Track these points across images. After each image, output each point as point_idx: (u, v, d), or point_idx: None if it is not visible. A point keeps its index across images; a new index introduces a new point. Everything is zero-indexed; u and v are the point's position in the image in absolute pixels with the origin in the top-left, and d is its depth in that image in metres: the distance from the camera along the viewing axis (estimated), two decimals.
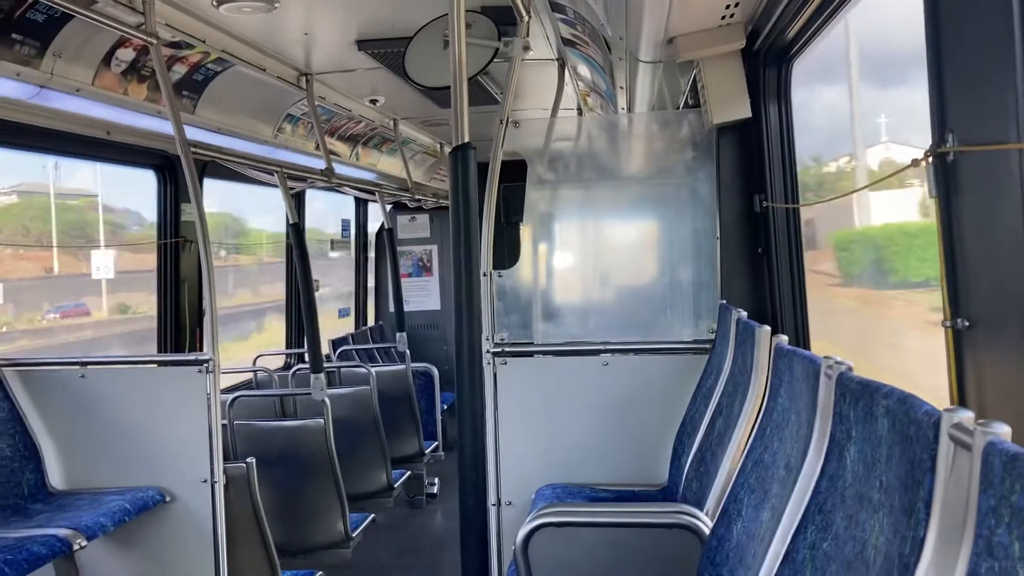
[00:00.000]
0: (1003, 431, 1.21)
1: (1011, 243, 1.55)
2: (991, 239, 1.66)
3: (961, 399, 1.79)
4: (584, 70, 5.62)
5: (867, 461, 1.68)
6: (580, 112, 7.17)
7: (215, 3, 4.29)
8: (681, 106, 4.94)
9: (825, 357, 2.01)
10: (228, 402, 5.24)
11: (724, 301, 4.02)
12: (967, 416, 1.30)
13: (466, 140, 2.73)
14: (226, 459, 4.36)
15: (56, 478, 4.34)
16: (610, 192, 4.73)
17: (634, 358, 4.20)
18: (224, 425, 4.87)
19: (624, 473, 4.13)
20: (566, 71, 5.54)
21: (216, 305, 4.22)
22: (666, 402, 4.08)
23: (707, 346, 4.07)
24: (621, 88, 4.87)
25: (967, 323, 1.75)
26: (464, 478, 2.63)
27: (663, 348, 4.19)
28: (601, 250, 4.76)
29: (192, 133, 5.01)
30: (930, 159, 1.81)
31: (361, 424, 6.05)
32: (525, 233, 4.59)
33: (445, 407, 8.16)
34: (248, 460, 4.32)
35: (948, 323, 1.80)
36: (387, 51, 5.24)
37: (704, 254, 4.25)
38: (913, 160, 1.90)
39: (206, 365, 4.15)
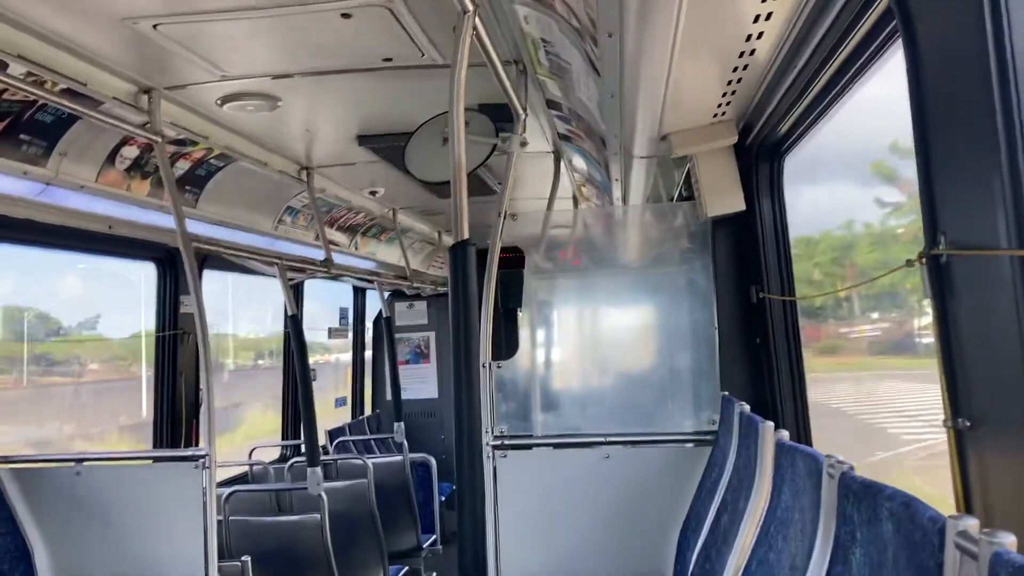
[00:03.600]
0: (1008, 541, 1.20)
1: (1007, 345, 1.56)
2: (988, 340, 1.67)
3: (967, 500, 1.77)
4: (579, 162, 5.73)
5: (873, 565, 1.65)
6: (576, 203, 7.29)
7: (219, 102, 4.39)
8: (676, 198, 5.03)
9: (827, 456, 2.00)
10: (224, 497, 5.16)
11: (726, 392, 4.01)
12: (972, 524, 1.29)
13: (466, 237, 2.76)
14: (221, 557, 4.27)
15: None
16: (608, 282, 4.77)
17: (635, 450, 4.16)
18: (219, 521, 4.79)
19: (628, 570, 4.05)
20: (562, 163, 5.66)
21: (213, 399, 4.20)
22: (669, 495, 4.03)
23: (709, 437, 4.04)
24: (616, 180, 4.96)
25: (968, 423, 1.75)
26: None
27: (665, 440, 4.16)
28: (600, 340, 4.77)
29: (193, 226, 5.08)
30: (923, 260, 1.84)
31: (358, 518, 5.94)
32: (524, 324, 4.60)
33: (443, 498, 8.03)
34: (243, 559, 4.23)
35: (949, 423, 1.79)
36: (387, 146, 5.35)
37: (703, 344, 4.25)
38: (907, 260, 1.92)
39: (202, 461, 4.10)
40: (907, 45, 1.92)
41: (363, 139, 5.32)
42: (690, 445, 4.09)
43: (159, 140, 4.20)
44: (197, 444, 4.87)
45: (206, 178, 5.24)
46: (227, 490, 5.26)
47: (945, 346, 1.81)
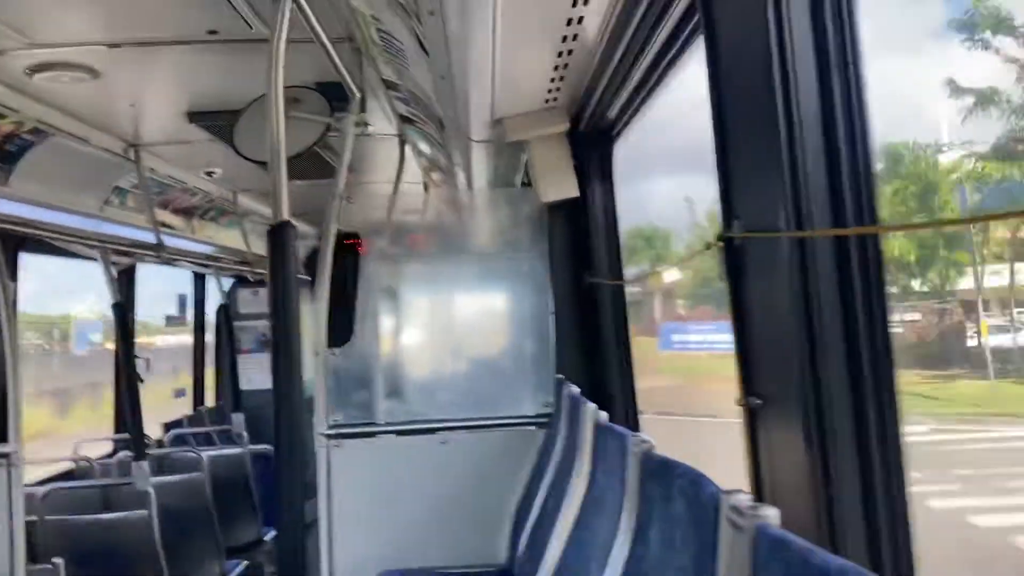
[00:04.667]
0: (771, 514, 1.24)
1: (786, 324, 1.62)
2: (772, 319, 1.73)
3: (757, 476, 1.84)
4: (425, 147, 5.66)
5: (667, 542, 1.69)
6: (427, 188, 7.21)
7: (28, 72, 4.06)
8: (519, 184, 5.05)
9: (633, 434, 2.04)
10: (40, 496, 4.81)
11: (560, 375, 4.06)
12: (743, 499, 1.33)
13: (285, 218, 2.66)
14: (36, 560, 3.99)
15: None
16: (451, 268, 4.74)
17: (473, 435, 4.16)
18: (33, 522, 4.47)
19: (465, 554, 4.04)
20: (407, 147, 5.57)
21: (21, 393, 3.90)
22: (506, 479, 4.05)
23: (545, 420, 4.08)
24: (458, 165, 4.94)
25: (759, 401, 1.81)
26: (283, 573, 2.48)
27: (502, 424, 4.17)
28: (441, 325, 4.73)
29: (6, 207, 4.70)
30: (720, 243, 1.89)
31: (192, 513, 5.67)
32: (366, 310, 4.51)
33: None
34: (55, 561, 3.96)
35: (742, 402, 1.85)
36: (219, 124, 5.10)
37: (540, 329, 4.29)
38: (707, 244, 1.97)
39: (7, 458, 3.80)
40: (707, 40, 1.97)
41: (194, 116, 5.05)
42: (526, 428, 4.12)
43: None
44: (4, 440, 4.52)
45: (18, 154, 4.84)
46: (43, 489, 4.91)
47: (739, 326, 1.87)
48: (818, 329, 1.56)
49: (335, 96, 4.30)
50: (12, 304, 4.05)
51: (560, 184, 3.85)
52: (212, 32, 3.79)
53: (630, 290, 4.36)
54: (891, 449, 1.55)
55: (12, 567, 3.78)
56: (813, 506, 1.56)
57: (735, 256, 1.85)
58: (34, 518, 4.56)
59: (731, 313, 1.88)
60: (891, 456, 1.55)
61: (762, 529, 1.21)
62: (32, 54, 3.92)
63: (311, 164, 5.94)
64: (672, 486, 1.67)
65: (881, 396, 1.54)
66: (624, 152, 3.82)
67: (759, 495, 1.79)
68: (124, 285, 6.84)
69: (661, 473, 1.76)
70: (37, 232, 5.06)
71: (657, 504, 1.77)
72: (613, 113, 3.39)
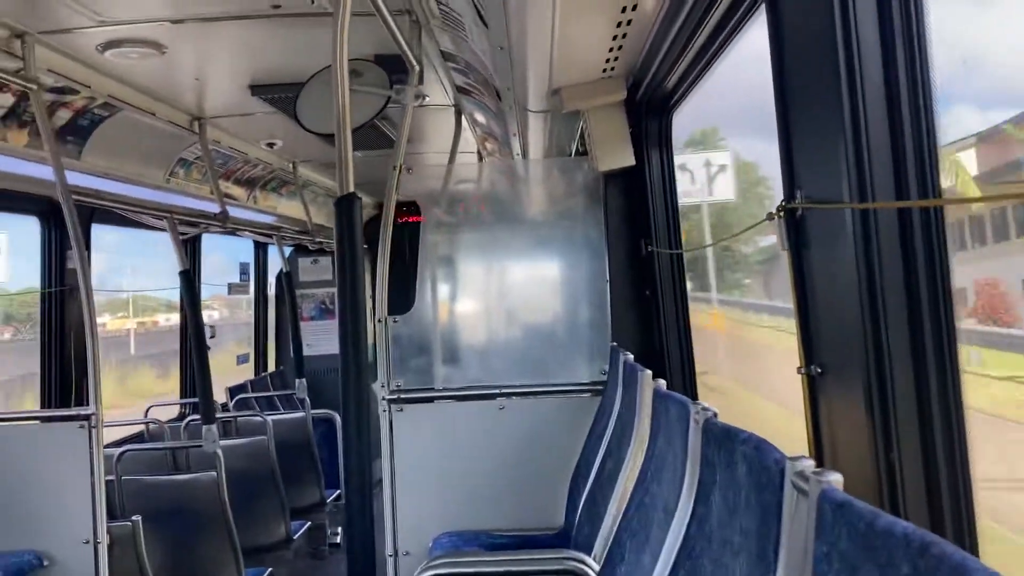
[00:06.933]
0: (835, 479, 1.28)
1: (849, 294, 1.65)
2: (834, 289, 1.76)
3: (817, 443, 1.87)
4: (480, 117, 5.71)
5: (730, 506, 1.74)
6: (481, 157, 7.27)
7: (100, 48, 4.20)
8: (573, 153, 5.07)
9: (694, 402, 2.09)
10: (116, 457, 5.04)
11: (615, 343, 4.11)
12: (807, 464, 1.37)
13: (351, 190, 2.74)
14: (113, 517, 4.19)
15: None
16: (506, 237, 4.80)
17: (530, 401, 4.24)
18: (111, 481, 4.68)
19: (522, 518, 4.14)
20: (463, 118, 5.62)
21: (99, 357, 4.08)
22: (562, 444, 4.13)
23: (600, 387, 4.14)
24: (515, 135, 4.97)
25: (819, 370, 1.84)
26: (352, 531, 2.59)
27: (558, 390, 4.24)
28: (498, 293, 4.81)
29: (77, 179, 4.87)
30: (781, 214, 1.92)
31: (258, 475, 5.89)
32: (424, 278, 4.61)
33: None
34: (134, 518, 4.16)
35: (803, 370, 1.89)
36: (281, 96, 5.21)
37: (596, 297, 4.34)
38: (768, 214, 2.00)
39: (88, 420, 3.99)
40: (769, 10, 1.97)
41: (256, 89, 5.16)
42: (581, 395, 4.18)
43: (34, 88, 3.99)
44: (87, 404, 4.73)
45: (90, 128, 5.01)
46: (118, 450, 5.14)
47: (800, 296, 1.90)
48: (880, 300, 1.58)
49: (394, 68, 4.36)
50: (86, 274, 4.22)
51: (617, 153, 3.87)
52: (275, 6, 3.87)
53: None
54: (953, 417, 1.57)
55: (95, 522, 3.99)
56: (874, 472, 1.60)
57: (797, 227, 1.87)
58: (111, 478, 4.78)
59: (792, 283, 1.91)
60: (953, 424, 1.57)
61: (827, 493, 1.26)
62: (102, 31, 4.05)
63: (369, 136, 6.05)
64: (735, 451, 1.71)
65: (943, 366, 1.57)
66: (680, 120, 3.82)
67: (819, 461, 1.83)
68: (190, 255, 7.06)
69: (724, 439, 1.80)
70: (106, 203, 5.25)
71: (720, 469, 1.81)
72: (671, 83, 3.40)
